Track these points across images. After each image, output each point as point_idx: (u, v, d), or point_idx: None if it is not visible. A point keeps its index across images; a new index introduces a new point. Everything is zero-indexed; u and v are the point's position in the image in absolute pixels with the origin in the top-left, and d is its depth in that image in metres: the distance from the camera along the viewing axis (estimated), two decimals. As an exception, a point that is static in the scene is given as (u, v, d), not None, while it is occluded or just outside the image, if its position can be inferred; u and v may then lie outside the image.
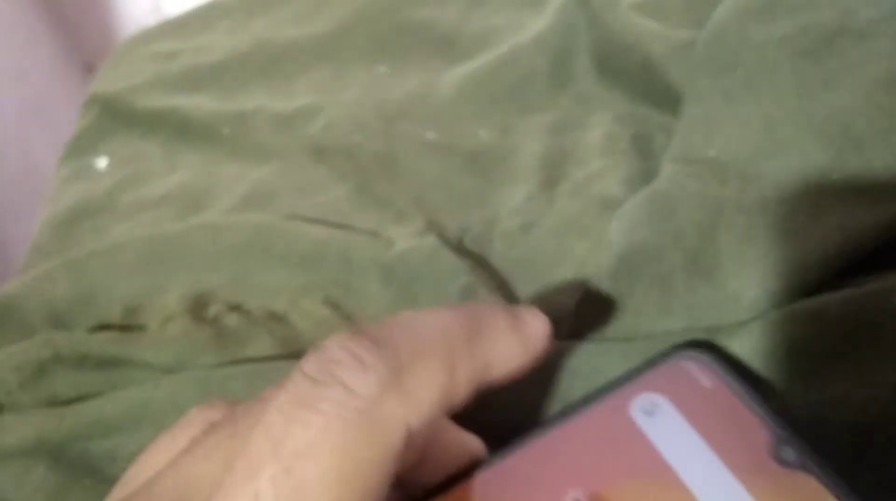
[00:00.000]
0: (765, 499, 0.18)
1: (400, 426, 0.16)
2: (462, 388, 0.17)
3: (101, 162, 0.46)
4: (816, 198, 0.27)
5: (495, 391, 0.19)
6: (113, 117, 0.48)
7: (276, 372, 0.28)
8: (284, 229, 0.35)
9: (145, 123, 0.47)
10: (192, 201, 0.40)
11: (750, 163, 0.29)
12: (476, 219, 0.35)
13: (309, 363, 0.16)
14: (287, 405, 0.15)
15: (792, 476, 0.19)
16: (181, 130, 0.45)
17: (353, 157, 0.40)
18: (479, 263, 0.32)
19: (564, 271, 0.31)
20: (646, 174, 0.33)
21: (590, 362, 0.25)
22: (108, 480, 0.28)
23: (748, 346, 0.24)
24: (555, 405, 0.24)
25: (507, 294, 0.31)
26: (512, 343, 0.18)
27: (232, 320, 0.32)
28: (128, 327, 0.33)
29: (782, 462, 0.19)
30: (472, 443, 0.21)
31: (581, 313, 0.28)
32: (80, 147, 0.47)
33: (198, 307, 0.32)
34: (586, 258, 0.31)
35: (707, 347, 0.22)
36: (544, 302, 0.30)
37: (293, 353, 0.30)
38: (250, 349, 0.30)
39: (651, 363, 0.22)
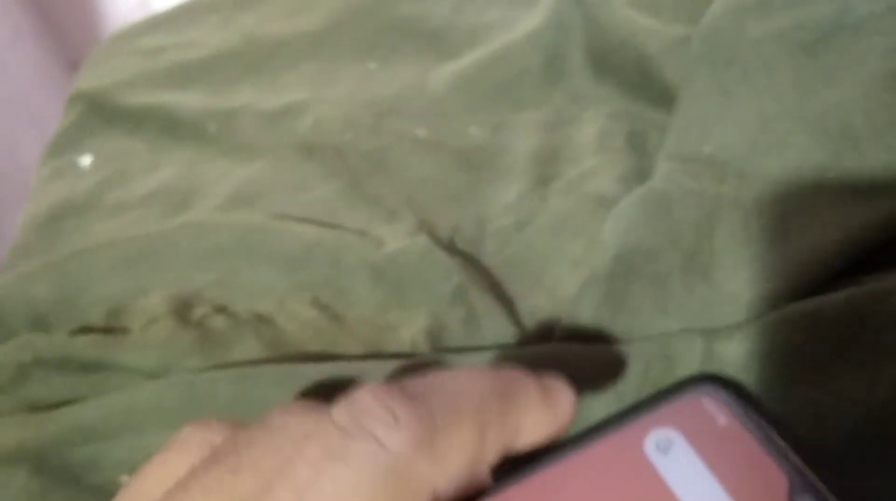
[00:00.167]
0: None
1: (428, 488, 0.15)
2: (490, 454, 0.17)
3: (85, 160, 0.45)
4: (814, 196, 0.27)
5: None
6: (97, 114, 0.47)
7: (264, 377, 0.27)
8: (272, 228, 0.34)
9: (130, 121, 0.46)
10: (178, 199, 0.40)
11: (746, 160, 0.29)
12: (468, 217, 0.34)
13: (340, 413, 0.15)
14: (315, 455, 0.15)
15: None
16: (167, 128, 0.45)
17: (343, 154, 0.39)
18: (471, 263, 0.32)
19: (558, 271, 0.31)
20: (640, 172, 0.33)
21: (588, 364, 0.25)
22: (90, 487, 0.27)
23: (746, 347, 0.24)
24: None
25: (500, 294, 0.30)
26: (542, 415, 0.18)
27: (218, 322, 0.31)
28: (111, 329, 0.32)
29: None
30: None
31: (577, 314, 0.27)
32: (64, 145, 0.46)
33: (183, 309, 0.32)
34: (580, 257, 0.31)
35: (725, 381, 0.22)
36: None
37: (281, 356, 0.29)
38: (236, 353, 0.29)
39: (668, 395, 0.22)
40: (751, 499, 0.18)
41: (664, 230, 0.27)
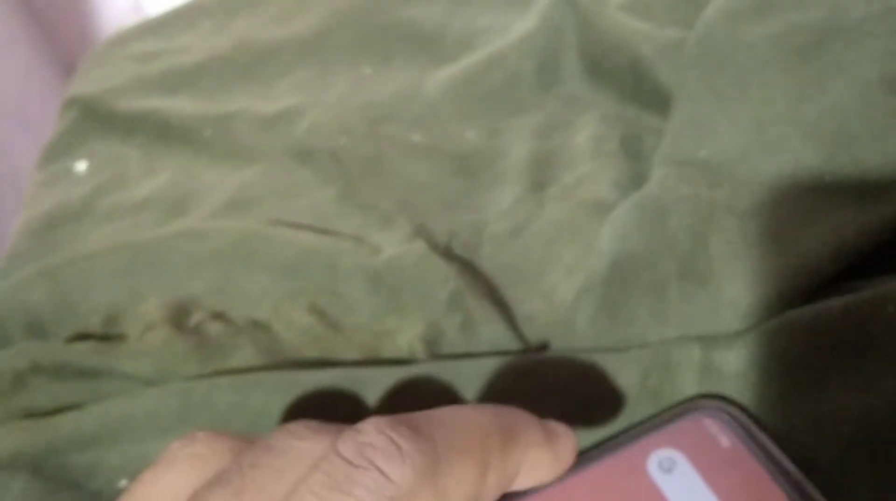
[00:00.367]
0: None
1: None
2: (490, 491, 0.17)
3: (80, 166, 0.45)
4: (809, 200, 0.27)
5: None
6: (92, 120, 0.47)
7: (261, 384, 0.27)
8: (268, 234, 0.34)
9: (125, 126, 0.46)
10: (173, 205, 0.40)
11: (741, 164, 0.29)
12: (464, 223, 0.34)
13: (345, 445, 0.16)
14: (320, 486, 0.15)
15: None
16: (161, 133, 0.44)
17: (338, 159, 0.39)
18: (468, 268, 0.32)
19: (554, 277, 0.31)
20: (636, 177, 0.33)
21: (584, 372, 0.25)
22: (87, 494, 0.27)
23: (744, 356, 0.24)
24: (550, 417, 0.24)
25: (496, 300, 0.30)
26: (544, 457, 0.18)
27: (214, 329, 0.31)
28: (107, 336, 0.32)
29: None
30: None
31: (575, 320, 0.27)
32: (59, 150, 0.46)
33: (179, 316, 0.32)
34: (576, 263, 0.31)
35: (727, 402, 0.22)
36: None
37: (278, 363, 0.29)
38: (233, 360, 0.29)
39: (671, 415, 0.22)
40: None
41: (660, 237, 0.27)
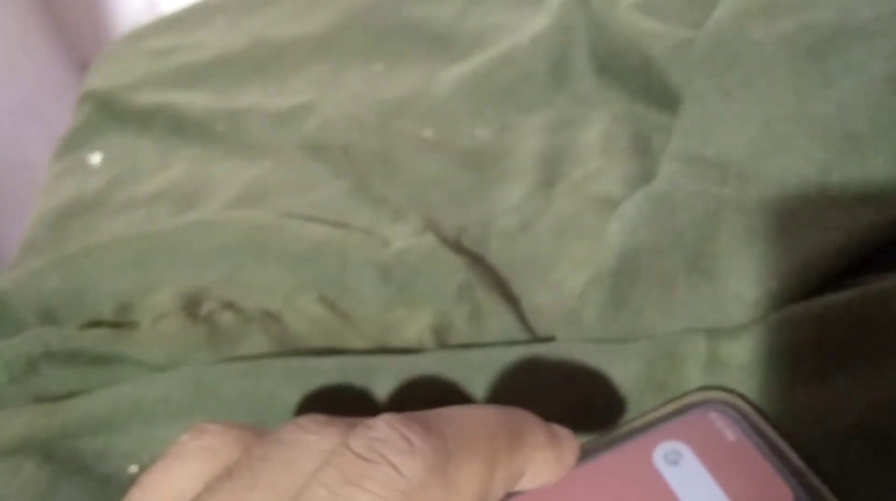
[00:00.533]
0: None
1: None
2: (497, 488, 0.17)
3: (95, 158, 0.45)
4: (816, 197, 0.27)
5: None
6: (107, 114, 0.48)
7: (271, 371, 0.27)
8: (280, 226, 0.34)
9: (139, 120, 0.46)
10: (187, 198, 0.40)
11: (749, 162, 0.29)
12: (473, 218, 0.34)
13: (357, 440, 0.16)
14: (333, 481, 0.15)
15: None
16: (175, 127, 0.45)
17: (350, 155, 0.40)
18: (477, 262, 0.32)
19: (562, 271, 0.31)
20: (644, 174, 0.33)
21: (591, 362, 0.25)
22: (98, 478, 0.27)
23: (750, 348, 0.24)
24: (556, 407, 0.24)
25: (505, 293, 0.30)
26: (548, 458, 0.19)
27: (226, 318, 0.31)
28: (120, 324, 0.32)
29: None
30: None
31: (582, 312, 0.27)
32: (74, 143, 0.47)
33: (191, 305, 0.32)
34: (584, 258, 0.31)
35: (732, 394, 0.23)
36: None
37: (287, 352, 0.30)
38: (244, 348, 0.30)
39: (676, 409, 0.22)
40: None
41: (668, 230, 0.27)
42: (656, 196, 0.29)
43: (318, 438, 0.17)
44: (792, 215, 0.27)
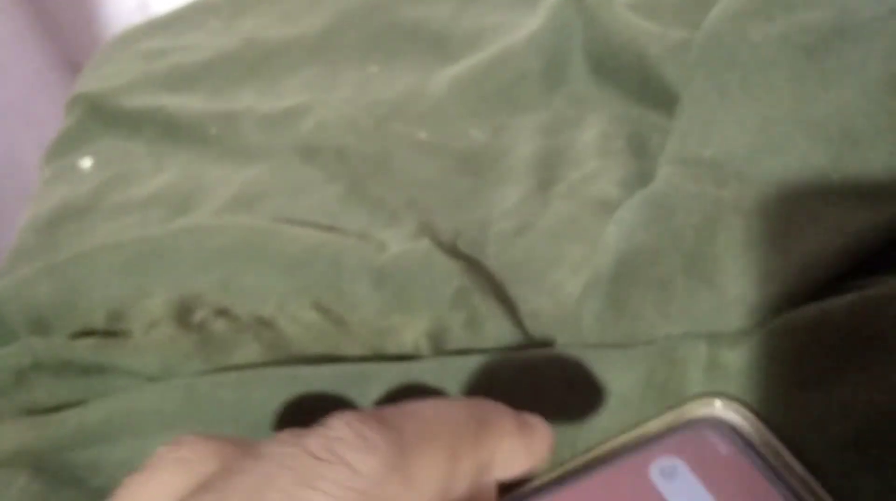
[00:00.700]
0: None
1: None
2: (462, 481, 0.17)
3: (86, 162, 0.45)
4: (816, 199, 0.27)
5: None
6: (98, 117, 0.47)
7: (265, 380, 0.27)
8: (273, 231, 0.34)
9: (131, 123, 0.46)
10: (179, 202, 0.40)
11: (747, 163, 0.29)
12: (470, 221, 0.34)
13: (313, 440, 0.16)
14: (287, 483, 0.15)
15: None
16: (167, 131, 0.45)
17: (344, 157, 0.39)
18: (473, 266, 0.32)
19: (559, 275, 0.31)
20: (642, 175, 0.33)
21: (591, 368, 0.25)
22: (91, 490, 0.27)
23: (750, 354, 0.24)
24: (554, 413, 0.24)
25: (502, 298, 0.30)
26: (518, 447, 0.19)
27: (219, 325, 0.31)
28: (111, 332, 0.32)
29: None
30: None
31: (581, 316, 0.27)
32: (64, 147, 0.46)
33: (184, 312, 0.31)
34: (582, 261, 0.31)
35: (732, 401, 0.23)
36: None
37: (281, 359, 0.29)
38: (237, 357, 0.29)
39: (672, 422, 0.23)
40: None
41: (666, 234, 0.27)
42: (654, 199, 0.29)
43: (293, 450, 0.16)
44: (791, 217, 0.27)
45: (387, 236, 0.34)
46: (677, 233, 0.27)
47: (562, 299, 0.30)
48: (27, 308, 0.34)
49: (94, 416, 0.28)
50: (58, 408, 0.29)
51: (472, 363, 0.26)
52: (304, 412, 0.26)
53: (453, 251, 0.32)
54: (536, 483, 0.22)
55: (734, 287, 0.25)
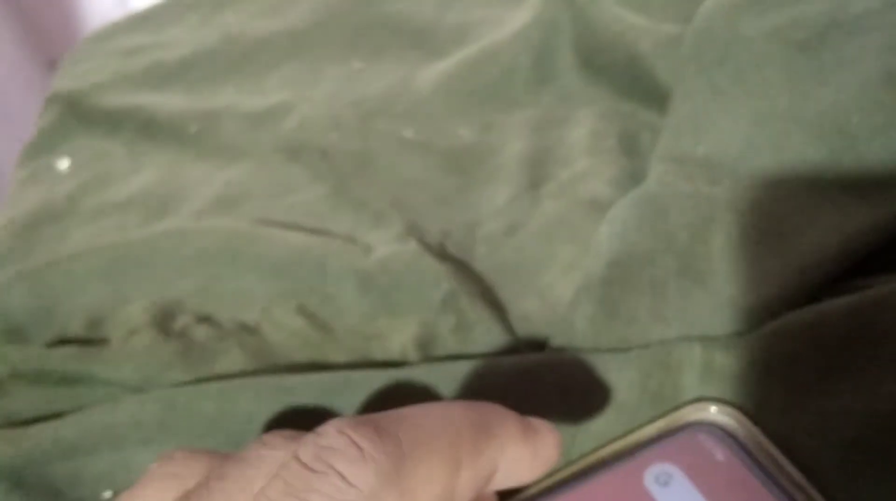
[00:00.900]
0: None
1: None
2: (464, 490, 0.16)
3: (63, 163, 0.44)
4: (811, 198, 0.27)
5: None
6: (75, 116, 0.46)
7: (248, 391, 0.26)
8: (256, 234, 0.33)
9: (109, 122, 0.45)
10: (159, 204, 0.39)
11: (741, 161, 0.28)
12: (458, 222, 0.33)
13: (305, 449, 0.15)
14: (277, 494, 0.14)
15: None
16: (146, 130, 0.43)
17: (328, 156, 0.38)
18: (462, 268, 0.31)
19: (550, 276, 0.30)
20: (633, 174, 0.32)
21: (585, 373, 0.24)
22: (71, 502, 0.26)
23: (746, 357, 0.23)
24: (549, 419, 0.23)
25: (492, 301, 0.29)
26: (523, 452, 0.18)
27: (200, 332, 0.30)
28: (90, 340, 0.31)
29: None
30: None
31: (573, 320, 0.26)
32: (40, 148, 0.45)
33: (164, 319, 0.31)
34: (573, 262, 0.30)
35: (728, 406, 0.23)
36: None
37: (266, 368, 0.28)
38: (220, 365, 0.28)
39: (666, 428, 0.22)
40: None
41: (659, 234, 0.27)
42: (647, 198, 0.28)
43: (279, 453, 0.16)
44: (787, 217, 0.26)
45: (373, 237, 0.33)
46: (671, 233, 0.27)
47: (553, 301, 0.29)
48: (2, 316, 0.33)
49: (70, 429, 0.27)
50: (35, 419, 0.29)
51: (463, 368, 0.26)
52: (289, 424, 0.25)
53: (441, 253, 0.32)
54: (531, 490, 0.22)
55: (729, 288, 0.25)
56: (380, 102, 0.41)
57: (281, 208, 0.36)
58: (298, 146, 0.39)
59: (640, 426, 0.23)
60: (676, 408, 0.23)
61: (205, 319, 0.31)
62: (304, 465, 0.15)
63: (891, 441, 0.21)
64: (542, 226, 0.32)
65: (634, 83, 0.36)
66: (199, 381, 0.28)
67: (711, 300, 0.25)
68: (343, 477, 0.14)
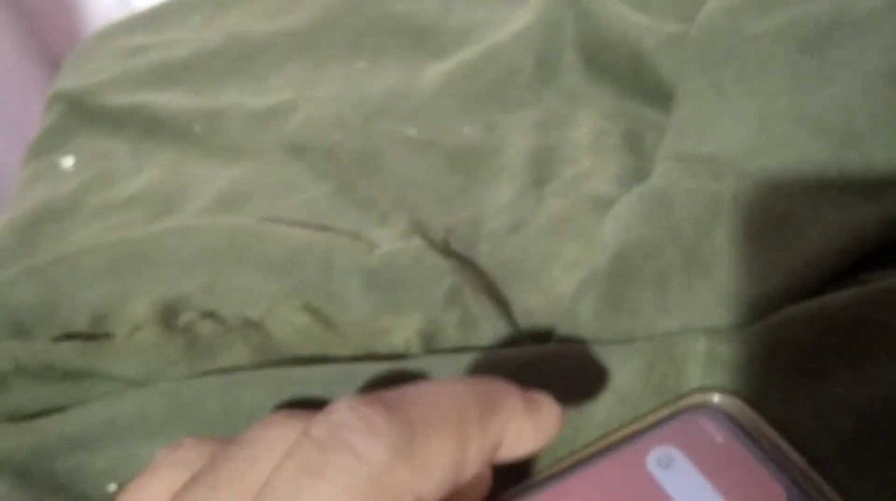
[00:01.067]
0: None
1: (410, 495, 0.15)
2: (472, 463, 0.17)
3: (67, 162, 0.44)
4: (815, 195, 0.27)
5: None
6: (79, 115, 0.46)
7: (252, 384, 0.26)
8: (261, 231, 0.33)
9: (113, 121, 0.45)
10: (163, 202, 0.39)
11: (745, 159, 0.28)
12: (462, 219, 0.33)
13: (317, 427, 0.15)
14: (293, 472, 0.15)
15: None
16: (150, 128, 0.44)
17: (332, 155, 0.38)
18: (466, 264, 0.31)
19: (554, 273, 0.30)
20: (637, 172, 0.33)
21: (589, 365, 0.24)
22: (75, 497, 0.26)
23: (749, 349, 0.23)
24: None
25: (496, 297, 0.30)
26: (526, 426, 0.18)
27: (205, 328, 0.30)
28: (94, 336, 0.31)
29: None
30: None
31: (577, 312, 0.26)
32: (45, 146, 0.45)
33: (168, 315, 0.31)
34: (577, 259, 0.30)
35: (731, 395, 0.23)
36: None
37: (269, 363, 0.28)
38: (224, 360, 0.28)
39: (667, 415, 0.22)
40: None
41: (664, 227, 0.27)
42: (652, 193, 0.28)
43: (281, 431, 0.16)
44: (791, 212, 0.26)
45: (377, 235, 0.33)
46: (676, 227, 0.27)
47: (556, 297, 0.29)
48: (7, 312, 0.33)
49: (75, 424, 0.27)
50: (39, 414, 0.29)
51: (467, 359, 0.26)
52: (294, 417, 0.25)
53: (445, 250, 0.32)
54: (535, 478, 0.22)
55: (733, 282, 0.25)
56: (383, 102, 0.41)
57: (285, 207, 0.36)
58: (302, 145, 0.39)
59: (644, 414, 0.23)
60: (679, 397, 0.23)
61: (209, 315, 0.31)
62: (317, 442, 0.15)
63: (892, 428, 0.21)
64: (546, 223, 0.32)
65: (637, 82, 0.36)
66: (203, 375, 0.28)
67: (715, 293, 0.25)
68: (356, 452, 0.15)
